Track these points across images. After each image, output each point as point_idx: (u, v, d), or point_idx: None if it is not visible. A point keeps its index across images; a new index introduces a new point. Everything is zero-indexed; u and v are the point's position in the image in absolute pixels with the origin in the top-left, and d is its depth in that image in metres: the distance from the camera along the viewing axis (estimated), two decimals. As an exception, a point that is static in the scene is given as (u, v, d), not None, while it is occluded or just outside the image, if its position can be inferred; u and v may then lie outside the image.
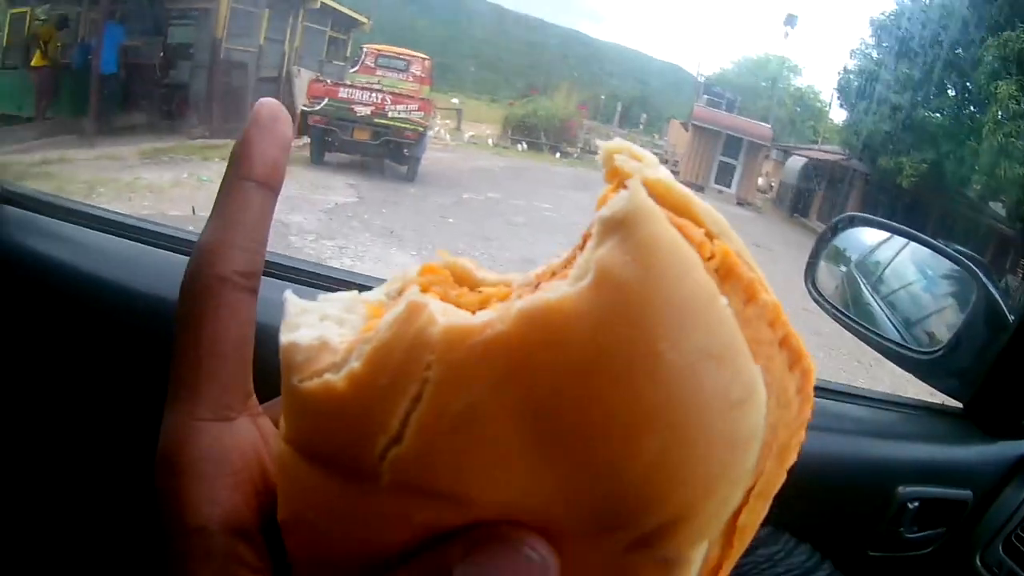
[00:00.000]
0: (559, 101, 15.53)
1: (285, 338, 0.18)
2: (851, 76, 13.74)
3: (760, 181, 14.61)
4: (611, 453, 0.14)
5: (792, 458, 0.19)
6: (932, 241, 0.96)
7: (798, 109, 19.31)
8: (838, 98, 14.60)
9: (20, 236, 0.68)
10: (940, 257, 0.95)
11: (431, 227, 6.21)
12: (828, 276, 1.07)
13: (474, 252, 5.20)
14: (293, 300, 0.19)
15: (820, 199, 12.95)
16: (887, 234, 1.10)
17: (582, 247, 0.15)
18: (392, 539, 0.17)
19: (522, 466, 0.15)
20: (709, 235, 0.16)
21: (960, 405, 0.84)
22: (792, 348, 0.17)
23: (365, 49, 10.30)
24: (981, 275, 0.87)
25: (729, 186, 13.81)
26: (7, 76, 7.45)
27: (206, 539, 0.20)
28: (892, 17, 13.68)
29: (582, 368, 0.14)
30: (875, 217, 1.10)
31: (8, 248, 0.68)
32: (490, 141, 13.49)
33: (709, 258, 0.15)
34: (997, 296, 0.85)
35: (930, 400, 0.87)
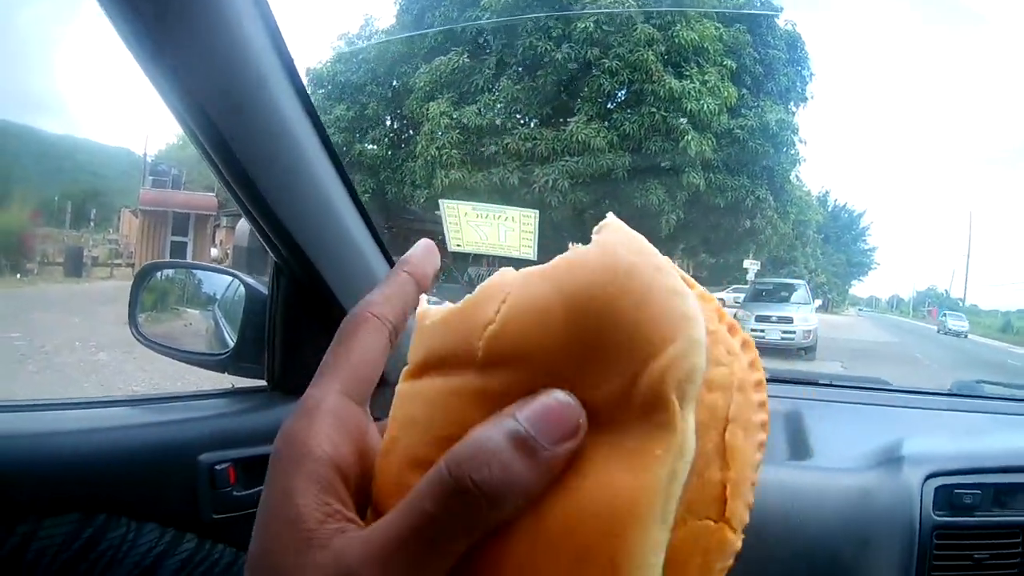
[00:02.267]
0: (13, 214, 12.56)
1: (421, 307, 0.31)
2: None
3: (215, 252, 14.41)
4: (608, 305, 0.25)
5: (764, 413, 0.29)
6: (205, 264, 1.11)
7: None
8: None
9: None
10: (215, 274, 1.10)
11: None
12: (156, 322, 1.14)
13: None
14: (423, 300, 0.32)
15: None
16: (193, 272, 1.21)
17: None
18: (473, 417, 0.26)
19: (560, 330, 0.25)
20: None
21: (265, 383, 0.96)
22: (731, 323, 0.30)
23: None
24: (241, 275, 1.03)
25: (184, 263, 13.13)
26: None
27: (319, 466, 0.27)
28: (329, 64, 14.30)
29: (596, 275, 0.25)
30: (171, 260, 1.21)
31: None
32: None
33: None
34: (255, 284, 1.00)
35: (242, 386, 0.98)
